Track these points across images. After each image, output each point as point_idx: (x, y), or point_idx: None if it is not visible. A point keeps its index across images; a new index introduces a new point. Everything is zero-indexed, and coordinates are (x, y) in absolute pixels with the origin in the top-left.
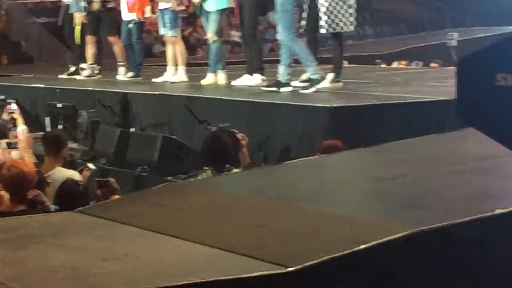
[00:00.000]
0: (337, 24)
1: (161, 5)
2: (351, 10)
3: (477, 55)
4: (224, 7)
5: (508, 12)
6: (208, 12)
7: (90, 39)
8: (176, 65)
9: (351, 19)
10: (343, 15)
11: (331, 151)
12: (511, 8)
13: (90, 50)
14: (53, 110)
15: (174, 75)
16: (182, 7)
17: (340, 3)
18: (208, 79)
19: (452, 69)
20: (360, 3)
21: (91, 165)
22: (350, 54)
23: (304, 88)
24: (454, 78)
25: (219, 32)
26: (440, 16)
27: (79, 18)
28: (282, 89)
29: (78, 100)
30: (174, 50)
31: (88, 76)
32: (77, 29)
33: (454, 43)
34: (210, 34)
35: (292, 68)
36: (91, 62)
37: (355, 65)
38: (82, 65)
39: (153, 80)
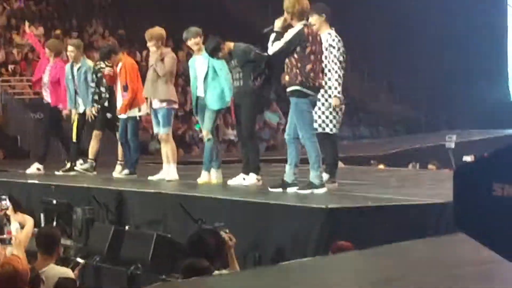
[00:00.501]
0: (327, 125)
1: (155, 104)
2: (340, 114)
3: (474, 164)
4: (220, 107)
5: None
6: (204, 110)
7: (97, 135)
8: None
9: (339, 120)
10: (334, 117)
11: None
12: (503, 111)
13: (94, 146)
14: (48, 206)
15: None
16: (176, 106)
17: (326, 104)
18: (203, 177)
19: (449, 171)
20: (355, 104)
21: (80, 260)
22: (345, 155)
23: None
24: (450, 181)
25: (214, 131)
26: (436, 118)
27: (74, 115)
28: (289, 189)
29: (73, 197)
30: (168, 147)
31: (85, 170)
32: (74, 125)
33: (452, 145)
34: (205, 132)
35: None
36: (92, 158)
37: (350, 166)
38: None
39: (149, 178)
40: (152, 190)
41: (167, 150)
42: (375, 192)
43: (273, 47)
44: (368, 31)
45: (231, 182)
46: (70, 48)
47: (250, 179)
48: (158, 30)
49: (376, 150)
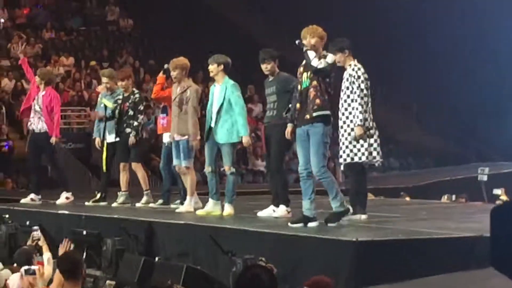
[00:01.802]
0: (355, 154)
1: (177, 137)
2: (372, 141)
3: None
4: (229, 142)
5: None
6: (218, 144)
7: (123, 167)
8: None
9: (372, 150)
10: (362, 146)
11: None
12: None
13: (123, 177)
14: (78, 237)
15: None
16: (198, 140)
17: (353, 134)
18: (227, 209)
19: (481, 204)
20: (386, 135)
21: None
22: (375, 187)
23: (293, 222)
24: (481, 214)
25: (235, 164)
26: (466, 150)
27: (98, 143)
28: (309, 224)
29: (103, 228)
30: (187, 179)
31: (122, 203)
32: (104, 156)
33: (485, 177)
34: (227, 167)
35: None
36: (125, 189)
37: (380, 198)
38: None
39: (176, 210)
40: (182, 222)
41: (187, 181)
42: (405, 224)
43: (320, 63)
44: (399, 63)
45: (261, 213)
46: (104, 79)
47: (280, 211)
48: (183, 60)
49: (405, 182)
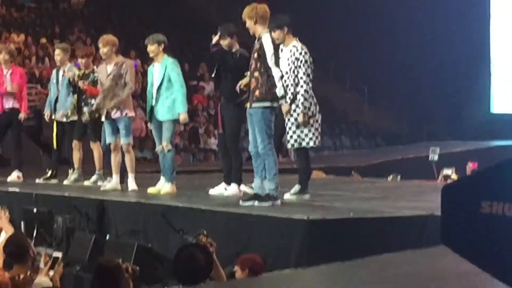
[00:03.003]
0: (303, 139)
1: (115, 114)
2: (317, 125)
3: (461, 182)
4: (169, 119)
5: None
6: (159, 121)
7: (76, 145)
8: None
9: (317, 134)
10: (309, 131)
11: (250, 265)
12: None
13: (76, 155)
14: (28, 215)
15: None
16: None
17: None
18: (167, 188)
19: (433, 183)
20: (337, 114)
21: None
22: (326, 165)
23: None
24: (432, 193)
25: (173, 141)
26: (417, 130)
27: (48, 118)
28: (260, 203)
29: (54, 206)
30: (127, 157)
31: (74, 181)
32: (54, 134)
33: (436, 157)
34: (165, 143)
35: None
36: (77, 167)
37: (331, 176)
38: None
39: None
40: (134, 200)
41: (129, 160)
42: (356, 203)
43: (277, 69)
44: (350, 39)
45: (213, 191)
46: (57, 51)
47: (232, 190)
48: (112, 37)
49: (357, 161)
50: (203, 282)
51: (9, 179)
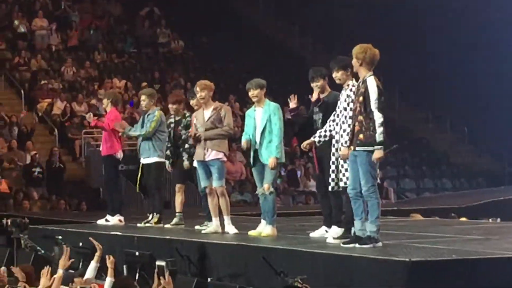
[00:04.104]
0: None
1: (209, 157)
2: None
3: None
4: (281, 161)
5: None
6: (262, 164)
7: (179, 188)
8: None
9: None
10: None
11: None
12: None
13: (178, 199)
14: (130, 258)
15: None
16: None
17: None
18: (268, 230)
19: None
20: (438, 156)
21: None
22: (427, 207)
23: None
24: None
25: (275, 183)
26: None
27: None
28: (362, 245)
29: (155, 249)
30: (221, 200)
31: (175, 224)
32: (139, 177)
33: None
34: (267, 185)
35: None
36: (179, 211)
37: (432, 218)
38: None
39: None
40: (235, 242)
41: (222, 203)
42: (458, 245)
43: (377, 111)
44: (448, 79)
45: (314, 234)
46: (142, 97)
47: (333, 232)
48: (209, 82)
49: (458, 202)
50: None
51: (111, 223)
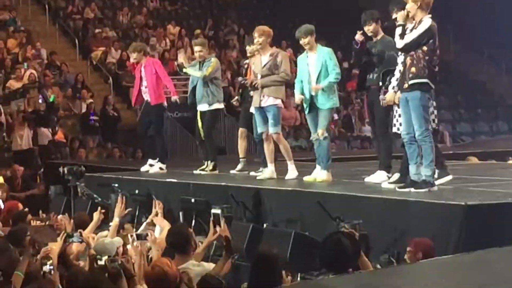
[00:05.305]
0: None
1: (266, 102)
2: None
3: None
4: (336, 105)
5: None
6: (318, 110)
7: (242, 133)
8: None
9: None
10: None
11: (423, 249)
12: None
13: (242, 144)
14: (186, 205)
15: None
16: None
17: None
18: (323, 176)
19: None
20: (494, 99)
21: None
22: (483, 150)
23: (400, 187)
24: None
25: (329, 128)
26: None
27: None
28: (417, 190)
29: (211, 196)
30: (281, 147)
31: (240, 171)
32: (199, 125)
33: None
34: (321, 131)
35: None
36: (243, 156)
37: (488, 162)
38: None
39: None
40: (290, 188)
41: (281, 148)
42: None
43: (404, 40)
44: (505, 25)
45: (369, 179)
46: (197, 48)
47: (380, 177)
48: (268, 28)
49: None
50: (349, 269)
51: (152, 171)
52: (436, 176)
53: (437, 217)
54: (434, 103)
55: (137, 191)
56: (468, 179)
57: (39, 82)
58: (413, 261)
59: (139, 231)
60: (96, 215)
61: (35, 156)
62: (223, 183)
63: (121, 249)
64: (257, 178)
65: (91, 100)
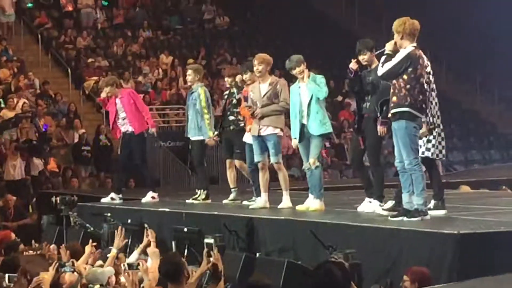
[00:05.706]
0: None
1: (265, 131)
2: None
3: None
4: (329, 131)
5: None
6: (310, 138)
7: (229, 163)
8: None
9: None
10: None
11: (420, 278)
12: None
13: (231, 174)
14: (179, 234)
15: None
16: (281, 133)
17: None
18: (315, 205)
19: None
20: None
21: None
22: (476, 179)
23: (393, 216)
24: None
25: (321, 157)
26: None
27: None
28: (409, 218)
29: (204, 225)
30: (280, 175)
31: (233, 200)
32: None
33: None
34: (313, 160)
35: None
36: (234, 186)
37: (480, 191)
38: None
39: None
40: (283, 217)
41: (281, 178)
42: (507, 217)
43: (383, 68)
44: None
45: (360, 208)
46: (187, 72)
47: (373, 206)
48: (268, 56)
49: (507, 174)
50: None
51: (144, 200)
52: (431, 206)
53: (430, 246)
54: (443, 134)
55: (129, 221)
56: (460, 207)
57: (32, 112)
58: None
59: (129, 260)
60: (88, 248)
61: (27, 186)
62: (215, 212)
63: (112, 278)
64: (250, 207)
65: (83, 130)
